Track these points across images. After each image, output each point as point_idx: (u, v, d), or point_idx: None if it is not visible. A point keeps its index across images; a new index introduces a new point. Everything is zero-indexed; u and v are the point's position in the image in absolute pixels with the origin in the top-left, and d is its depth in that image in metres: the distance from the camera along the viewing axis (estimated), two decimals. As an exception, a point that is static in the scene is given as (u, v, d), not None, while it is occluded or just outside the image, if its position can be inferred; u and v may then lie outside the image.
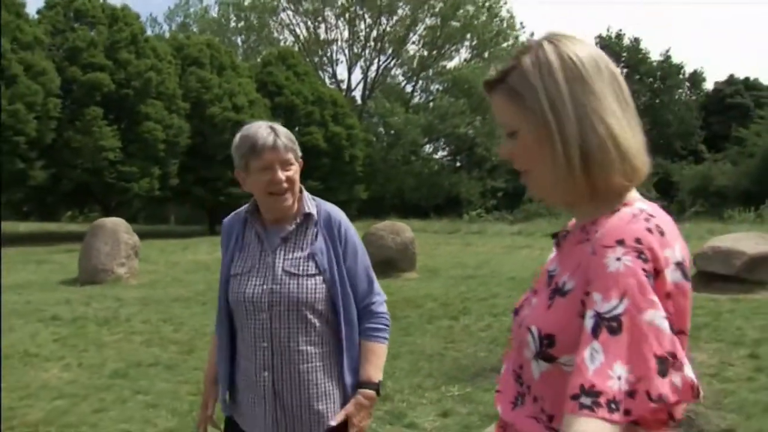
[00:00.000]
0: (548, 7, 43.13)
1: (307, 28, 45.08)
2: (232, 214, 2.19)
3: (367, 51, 44.41)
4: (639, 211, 1.09)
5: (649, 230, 1.04)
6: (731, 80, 42.59)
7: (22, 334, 7.18)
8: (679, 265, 1.05)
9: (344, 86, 44.84)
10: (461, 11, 41.79)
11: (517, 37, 42.06)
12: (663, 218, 1.10)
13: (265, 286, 1.99)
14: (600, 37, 42.00)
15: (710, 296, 8.18)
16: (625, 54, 41.79)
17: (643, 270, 0.99)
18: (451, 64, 44.27)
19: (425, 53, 43.86)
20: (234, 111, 26.82)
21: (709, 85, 44.96)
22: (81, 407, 4.78)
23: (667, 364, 0.96)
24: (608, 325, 0.97)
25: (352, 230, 2.11)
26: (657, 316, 0.97)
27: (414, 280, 10.94)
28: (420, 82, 45.19)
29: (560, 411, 1.03)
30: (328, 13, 43.78)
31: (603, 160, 1.09)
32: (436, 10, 41.98)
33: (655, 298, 0.98)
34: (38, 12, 25.18)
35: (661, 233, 1.05)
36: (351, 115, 33.69)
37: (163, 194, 26.20)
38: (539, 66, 1.11)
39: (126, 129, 24.28)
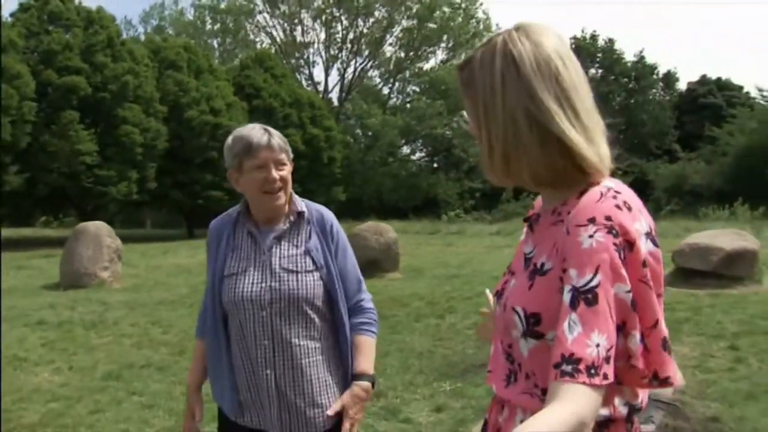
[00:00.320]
0: (523, 8, 43.46)
1: (284, 31, 45.03)
2: (221, 215, 2.21)
3: (343, 53, 44.45)
4: (606, 189, 1.14)
5: (618, 207, 1.11)
6: (704, 80, 43.21)
7: (9, 338, 7.14)
8: (648, 234, 1.13)
9: (321, 88, 44.85)
10: (437, 13, 41.99)
11: (493, 39, 42.32)
12: (628, 194, 1.16)
13: (264, 284, 2.03)
14: (575, 38, 42.35)
15: (689, 291, 8.37)
16: (599, 55, 42.20)
17: (614, 245, 1.06)
18: (427, 66, 44.51)
19: (402, 55, 43.98)
20: (212, 114, 26.72)
21: (682, 85, 45.58)
22: (76, 409, 4.80)
23: (619, 330, 1.06)
24: (585, 297, 1.04)
25: (341, 230, 2.19)
26: (621, 289, 1.06)
27: (398, 280, 11.03)
28: (397, 83, 45.33)
29: None
30: (304, 15, 43.76)
31: (523, 161, 1.17)
32: (413, 11, 42.14)
33: (623, 272, 1.06)
34: (12, 15, 24.89)
35: (629, 208, 1.12)
36: (329, 117, 33.69)
37: (140, 198, 25.98)
38: (483, 65, 1.19)
39: (103, 133, 24.05)
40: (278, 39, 45.04)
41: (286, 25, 44.66)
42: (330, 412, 2.05)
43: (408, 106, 42.30)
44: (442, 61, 44.00)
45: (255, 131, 2.06)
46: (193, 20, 46.08)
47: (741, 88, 42.60)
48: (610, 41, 43.02)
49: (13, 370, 5.90)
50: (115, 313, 8.57)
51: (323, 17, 43.41)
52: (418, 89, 43.60)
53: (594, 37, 43.14)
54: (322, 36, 44.46)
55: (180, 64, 27.52)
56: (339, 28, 44.01)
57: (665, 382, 1.16)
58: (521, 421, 1.19)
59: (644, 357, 1.12)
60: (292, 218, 2.12)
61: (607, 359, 1.02)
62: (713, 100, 41.13)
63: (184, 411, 2.22)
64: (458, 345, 6.42)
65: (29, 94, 21.79)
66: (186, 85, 26.85)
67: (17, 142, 21.39)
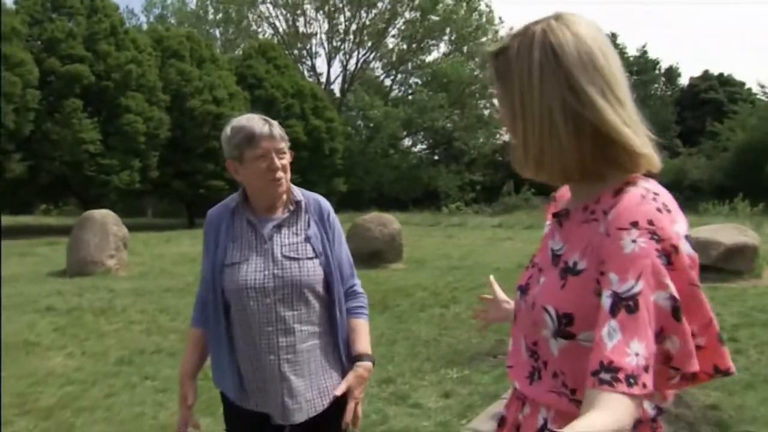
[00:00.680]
0: (527, 2, 43.39)
1: (287, 21, 45.02)
2: (218, 205, 2.22)
3: (346, 44, 44.47)
4: (646, 191, 1.12)
5: (659, 210, 1.08)
6: (706, 76, 43.32)
7: (19, 324, 7.25)
8: (687, 237, 1.10)
9: (323, 79, 44.87)
10: (441, 5, 41.96)
11: (496, 32, 42.28)
12: (666, 195, 1.14)
13: (267, 272, 2.07)
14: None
15: (690, 285, 8.45)
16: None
17: (656, 250, 1.04)
18: (429, 58, 44.53)
19: (404, 47, 44.01)
20: (214, 104, 26.79)
21: (684, 81, 45.70)
22: (92, 392, 4.91)
23: (656, 336, 1.04)
24: (626, 304, 1.01)
25: (336, 218, 2.25)
26: (661, 296, 1.03)
27: (401, 271, 11.14)
28: (399, 75, 45.35)
29: (582, 384, 1.08)
30: (307, 5, 43.75)
31: (556, 154, 1.15)
32: (416, 3, 42.11)
33: (665, 279, 1.04)
34: (15, 2, 24.88)
35: (668, 211, 1.10)
36: (331, 108, 33.77)
37: (142, 187, 26.07)
38: (520, 55, 1.15)
39: (106, 121, 24.11)
40: (281, 29, 45.07)
41: (288, 15, 44.65)
42: (337, 392, 2.11)
43: (410, 98, 42.35)
44: (444, 54, 44.07)
45: (255, 121, 2.09)
46: (196, 10, 46.04)
47: (743, 84, 42.73)
48: (613, 36, 43.01)
49: (25, 355, 6.00)
50: (123, 300, 8.67)
51: (326, 8, 43.40)
52: (420, 81, 43.66)
53: (596, 31, 43.11)
54: (325, 27, 44.53)
55: (183, 53, 27.56)
56: (342, 19, 44.05)
57: (727, 372, 1.16)
58: (544, 419, 1.21)
59: (701, 355, 1.11)
60: (291, 207, 2.17)
61: (646, 368, 1.00)
62: (715, 96, 41.22)
63: (198, 394, 2.25)
64: (463, 334, 6.53)
65: (33, 82, 21.82)
66: (188, 74, 26.90)
67: (20, 130, 21.44)
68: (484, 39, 42.28)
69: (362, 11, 43.18)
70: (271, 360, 2.08)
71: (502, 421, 1.36)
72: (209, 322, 2.18)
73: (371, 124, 39.15)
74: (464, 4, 42.27)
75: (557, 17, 1.17)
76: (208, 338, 2.20)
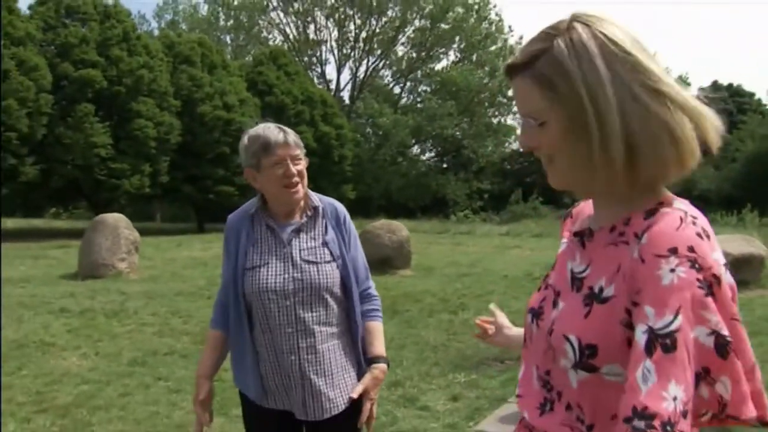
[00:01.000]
0: (537, 9, 43.48)
1: (297, 28, 45.26)
2: (237, 211, 2.32)
3: (356, 51, 44.64)
4: (684, 213, 1.03)
5: (699, 235, 0.99)
6: (715, 86, 43.27)
7: (34, 324, 7.37)
8: (726, 265, 1.01)
9: (333, 86, 45.05)
10: (450, 14, 42.12)
11: (505, 40, 42.41)
12: (703, 219, 1.05)
13: (287, 275, 2.16)
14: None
15: (697, 294, 8.51)
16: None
17: (698, 280, 0.95)
18: (439, 66, 44.67)
19: (414, 55, 44.15)
20: (224, 110, 26.95)
21: (693, 91, 45.55)
22: (107, 392, 5.01)
23: (698, 378, 0.95)
24: (662, 342, 0.93)
25: (352, 222, 2.34)
26: (702, 333, 0.94)
27: (410, 277, 11.22)
28: (408, 83, 45.50)
29: (601, 420, 1.04)
30: (317, 13, 43.96)
31: (653, 153, 1.01)
32: (426, 12, 42.28)
33: (707, 314, 0.95)
34: (30, 8, 25.15)
35: (708, 236, 1.01)
36: (340, 115, 33.90)
37: (153, 192, 26.24)
38: (574, 49, 1.02)
39: (117, 126, 24.30)
40: (291, 36, 45.30)
41: (299, 22, 44.89)
42: (354, 394, 2.18)
43: (419, 105, 42.47)
44: (453, 62, 44.18)
45: (271, 130, 2.18)
46: (207, 16, 46.31)
47: (752, 94, 42.71)
48: (622, 45, 43.07)
49: (41, 355, 6.12)
50: (135, 302, 8.78)
51: (336, 15, 43.61)
52: (429, 89, 43.77)
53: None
54: (335, 34, 44.71)
55: (194, 59, 27.76)
56: (352, 26, 44.21)
57: (763, 421, 1.04)
58: None
59: (755, 400, 1.01)
60: (309, 212, 2.25)
61: (684, 414, 0.91)
62: (724, 106, 41.01)
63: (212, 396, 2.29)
64: (471, 339, 6.59)
65: (46, 87, 22.07)
66: (199, 80, 27.09)
67: (33, 134, 21.67)
68: (493, 47, 42.40)
69: (372, 19, 43.36)
70: (293, 360, 2.16)
71: None
72: (231, 324, 2.26)
73: (380, 132, 39.25)
74: (474, 13, 42.40)
75: (579, 17, 1.06)
76: (230, 340, 2.28)
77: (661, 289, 0.94)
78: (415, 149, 43.12)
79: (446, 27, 42.46)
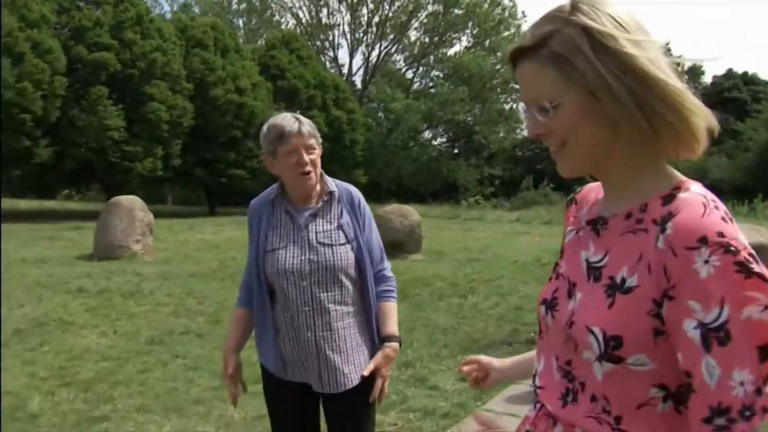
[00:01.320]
0: (549, -3, 43.12)
1: (309, 12, 45.23)
2: (259, 197, 2.46)
3: (368, 36, 44.59)
4: (704, 198, 1.02)
5: (723, 219, 0.98)
6: (729, 74, 42.94)
7: (53, 303, 7.55)
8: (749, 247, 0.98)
9: (345, 71, 45.06)
10: (464, -1, 41.99)
11: (519, 26, 42.26)
12: (720, 201, 1.03)
13: (303, 257, 2.29)
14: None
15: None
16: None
17: (734, 263, 0.93)
18: (451, 51, 44.58)
19: (426, 40, 44.07)
20: (237, 93, 27.06)
21: (707, 79, 45.35)
22: (126, 368, 5.17)
23: (765, 352, 0.94)
24: (717, 336, 0.93)
25: (367, 206, 2.46)
26: (754, 311, 0.93)
27: (421, 262, 11.35)
28: (421, 68, 45.45)
29: (629, 411, 1.05)
30: (330, -4, 43.91)
31: (666, 127, 1.02)
32: (439, -4, 42.16)
33: (753, 293, 0.93)
34: (44, -9, 25.28)
35: (731, 219, 0.99)
36: (352, 100, 33.97)
37: (165, 174, 26.43)
38: (585, 28, 1.01)
39: (130, 109, 24.47)
40: (303, 20, 45.27)
41: (311, 6, 44.85)
42: (365, 372, 2.31)
43: (431, 91, 42.45)
44: (466, 47, 44.05)
45: (287, 120, 2.32)
46: (219, -1, 46.34)
47: (767, 83, 42.29)
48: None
49: (61, 333, 6.29)
50: (150, 283, 8.95)
51: (349, 0, 43.54)
52: (441, 75, 43.71)
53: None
54: (348, 18, 44.66)
55: (207, 42, 27.85)
56: (364, 10, 44.16)
57: None
58: None
59: None
60: (324, 198, 2.38)
61: (757, 391, 0.92)
62: (738, 95, 40.88)
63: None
64: (480, 323, 6.74)
65: (60, 69, 22.24)
66: (212, 63, 27.19)
67: (48, 116, 21.87)
68: (506, 33, 42.24)
69: (385, 3, 43.28)
70: (309, 337, 2.29)
71: None
72: (254, 303, 2.40)
73: (392, 117, 39.34)
74: (487, -2, 42.24)
75: (583, 0, 1.05)
76: (254, 318, 2.43)
77: (700, 283, 0.94)
78: (427, 134, 43.25)
79: (459, 12, 42.36)
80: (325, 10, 44.75)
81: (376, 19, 43.95)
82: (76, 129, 23.16)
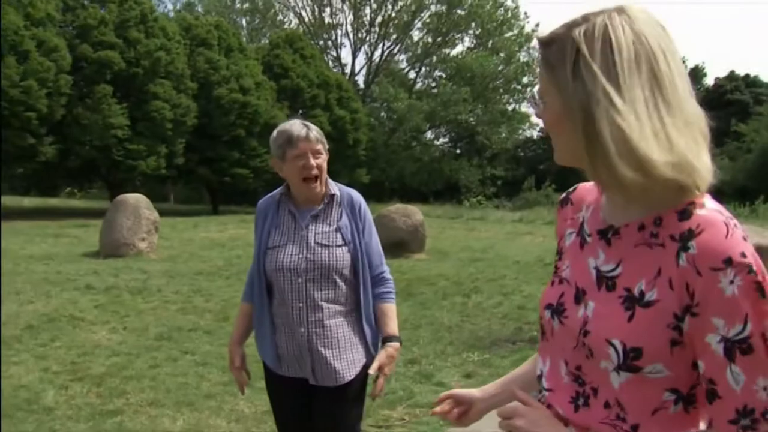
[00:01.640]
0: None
1: (312, 11, 45.29)
2: (266, 197, 2.61)
3: (371, 36, 44.67)
4: (724, 217, 1.05)
5: (744, 238, 1.02)
6: (732, 76, 42.99)
7: (62, 300, 7.66)
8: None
9: (348, 70, 45.15)
10: (467, -1, 42.04)
11: (521, 27, 42.33)
12: (733, 217, 1.06)
13: (300, 255, 2.42)
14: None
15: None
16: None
17: (754, 283, 0.99)
18: (454, 52, 44.65)
19: (429, 40, 44.13)
20: (241, 93, 27.13)
21: (709, 81, 45.43)
22: (137, 364, 5.27)
23: None
24: (740, 347, 0.99)
25: (368, 211, 2.58)
26: None
27: (424, 261, 11.44)
28: (423, 68, 45.52)
29: (645, 418, 1.08)
30: (333, -4, 43.95)
31: (605, 154, 1.02)
32: (442, -4, 42.20)
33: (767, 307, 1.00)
34: (50, -11, 25.36)
35: (745, 238, 1.03)
36: (355, 100, 34.03)
37: (168, 173, 26.53)
38: (574, 45, 1.05)
39: (134, 107, 24.55)
40: (306, 19, 45.34)
41: (314, 5, 44.91)
42: (371, 371, 2.40)
43: (434, 91, 42.52)
44: (469, 48, 44.16)
45: (295, 126, 2.46)
46: (223, -2, 46.39)
47: (770, 84, 42.34)
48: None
49: (72, 329, 6.39)
50: (157, 281, 9.05)
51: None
52: (444, 75, 43.77)
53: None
54: (351, 18, 44.73)
55: (211, 42, 27.93)
56: (368, 10, 44.21)
57: None
58: None
59: None
60: (326, 200, 2.50)
61: None
62: (740, 97, 40.93)
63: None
64: (484, 321, 6.84)
65: (65, 67, 22.33)
66: (216, 63, 27.27)
67: (53, 114, 21.97)
68: (509, 34, 42.31)
69: (388, 3, 43.31)
70: (302, 333, 2.42)
71: None
72: (255, 297, 2.54)
73: (395, 116, 39.40)
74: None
75: (620, 10, 1.07)
76: (254, 313, 2.56)
77: (725, 301, 0.99)
78: (429, 134, 43.30)
79: (462, 12, 42.37)
80: (328, 10, 44.83)
81: (379, 18, 44.01)
82: (81, 127, 23.25)
